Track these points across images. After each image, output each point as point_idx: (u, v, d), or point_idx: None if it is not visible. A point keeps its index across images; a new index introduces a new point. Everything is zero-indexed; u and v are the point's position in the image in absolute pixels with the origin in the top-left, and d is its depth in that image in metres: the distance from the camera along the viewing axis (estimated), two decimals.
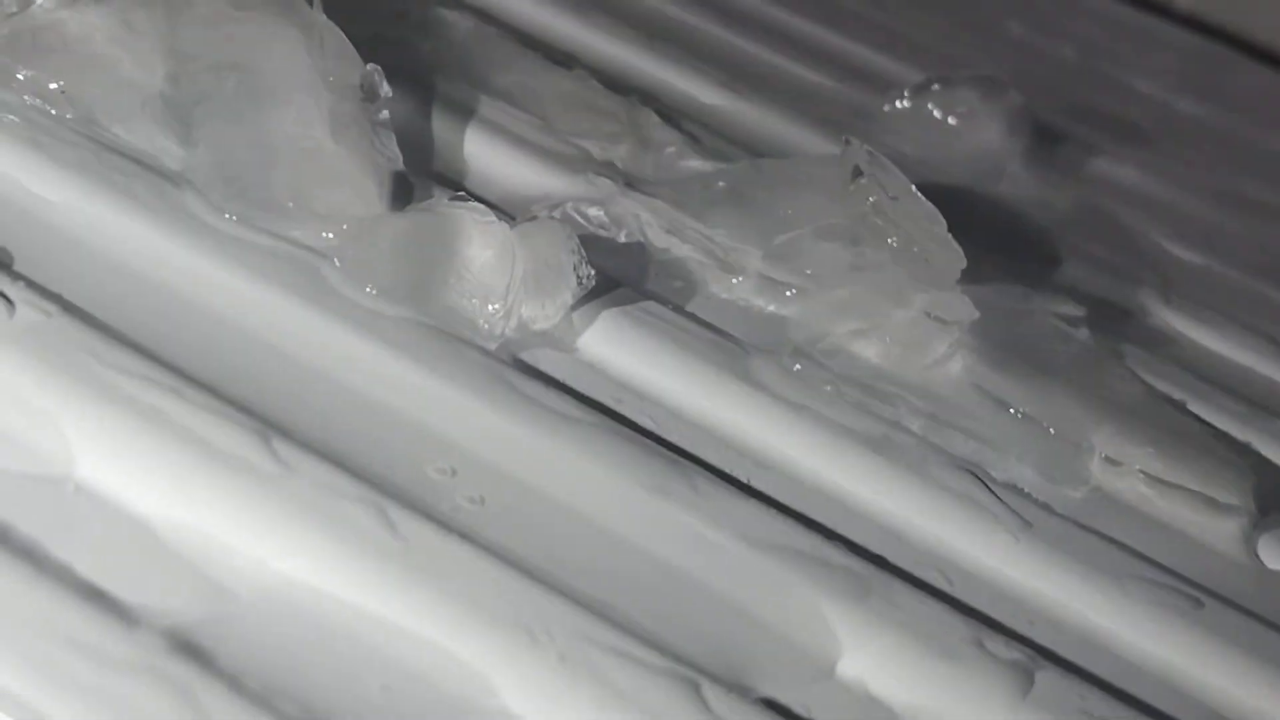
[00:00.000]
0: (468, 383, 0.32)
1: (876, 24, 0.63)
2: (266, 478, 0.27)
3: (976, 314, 0.38)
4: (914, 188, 0.40)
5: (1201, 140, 0.65)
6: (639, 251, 0.39)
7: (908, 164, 0.50)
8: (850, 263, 0.39)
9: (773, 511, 0.32)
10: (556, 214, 0.39)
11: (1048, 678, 0.30)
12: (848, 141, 0.41)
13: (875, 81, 0.56)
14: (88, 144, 0.34)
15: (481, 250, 0.33)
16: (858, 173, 0.40)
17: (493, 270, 0.33)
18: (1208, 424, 0.41)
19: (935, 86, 0.52)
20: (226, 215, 0.33)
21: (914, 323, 0.38)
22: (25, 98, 0.34)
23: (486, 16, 0.49)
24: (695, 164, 0.44)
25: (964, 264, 0.39)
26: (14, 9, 0.37)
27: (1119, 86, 0.68)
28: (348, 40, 0.37)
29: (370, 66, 0.37)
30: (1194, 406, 0.42)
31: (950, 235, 0.39)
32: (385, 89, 0.38)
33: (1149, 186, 0.57)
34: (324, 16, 0.37)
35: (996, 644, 0.30)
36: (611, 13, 0.53)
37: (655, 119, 0.46)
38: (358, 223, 0.33)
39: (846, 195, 0.40)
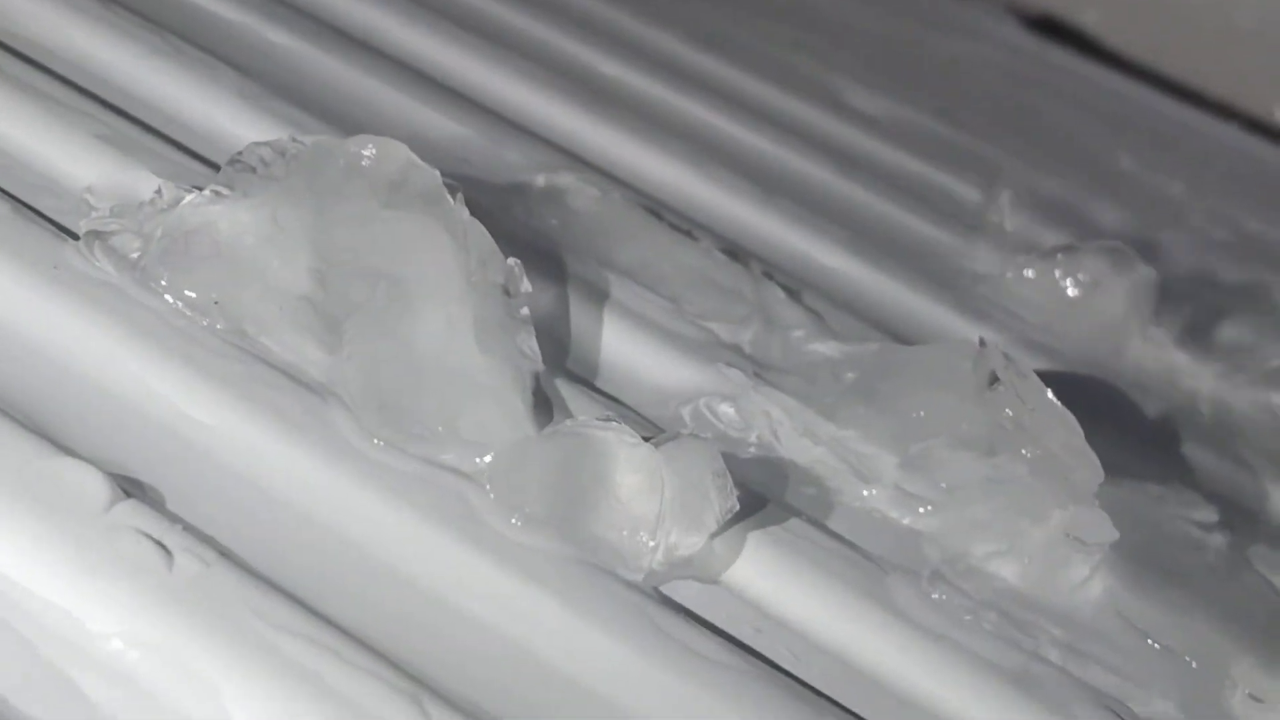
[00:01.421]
0: (612, 623, 0.31)
1: (996, 166, 0.62)
2: None
3: (1117, 535, 0.38)
4: (1050, 394, 0.39)
5: None
6: (774, 460, 0.39)
7: (1033, 334, 0.50)
8: (987, 475, 0.38)
9: None
10: (687, 413, 0.39)
11: None
12: (982, 342, 0.40)
13: (1002, 241, 0.56)
14: (237, 355, 0.34)
15: (629, 476, 0.33)
16: (994, 379, 0.39)
17: (642, 498, 0.33)
18: None
19: (1060, 255, 0.52)
20: (376, 441, 0.33)
21: (1053, 543, 0.38)
22: (177, 303, 0.35)
23: (613, 179, 0.49)
24: (822, 347, 0.44)
25: (1102, 478, 0.38)
26: (164, 204, 0.37)
27: (1236, 228, 0.67)
28: (489, 235, 0.37)
29: (511, 261, 0.37)
30: None
31: (1087, 446, 0.39)
32: (526, 285, 0.38)
33: (1268, 350, 0.56)
34: (467, 212, 0.37)
35: None
36: (727, 165, 0.53)
37: (781, 295, 0.46)
38: (505, 448, 0.33)
39: (982, 401, 0.39)
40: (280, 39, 0.48)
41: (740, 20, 0.65)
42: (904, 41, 0.71)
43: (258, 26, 0.48)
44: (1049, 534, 0.38)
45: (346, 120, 0.45)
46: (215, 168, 0.39)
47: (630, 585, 0.33)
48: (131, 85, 0.43)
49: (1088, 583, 0.37)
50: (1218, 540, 0.41)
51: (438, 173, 0.38)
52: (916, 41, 0.72)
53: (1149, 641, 0.37)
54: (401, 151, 0.38)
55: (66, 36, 0.43)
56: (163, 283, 0.35)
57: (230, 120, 0.43)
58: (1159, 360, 0.51)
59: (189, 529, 0.29)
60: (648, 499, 0.33)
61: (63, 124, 0.40)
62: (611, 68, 0.56)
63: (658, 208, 0.48)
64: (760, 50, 0.62)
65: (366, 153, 0.38)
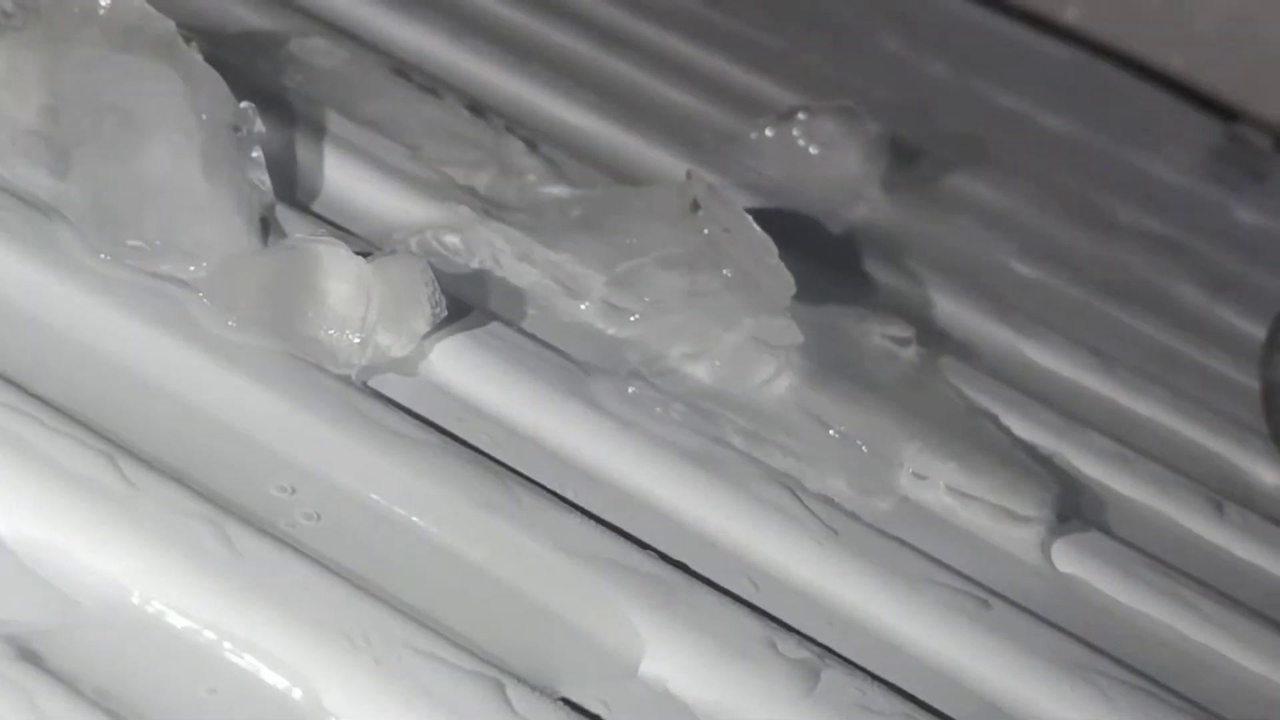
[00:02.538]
0: (315, 407, 0.35)
1: (748, 41, 0.66)
2: (115, 497, 0.30)
3: (801, 338, 0.41)
4: (750, 219, 0.43)
5: (1059, 155, 0.68)
6: (491, 278, 0.42)
7: (772, 189, 0.54)
8: (686, 289, 0.42)
9: (591, 523, 0.35)
10: (414, 242, 0.42)
11: (833, 675, 0.33)
12: (689, 175, 0.44)
13: (745, 103, 0.59)
14: None
15: (338, 284, 0.36)
16: (695, 206, 0.43)
17: (349, 303, 0.36)
18: (1016, 437, 0.45)
19: (800, 115, 0.56)
20: (101, 255, 0.35)
21: (742, 345, 0.41)
22: None
23: (362, 43, 0.52)
24: (556, 190, 0.47)
25: (793, 290, 0.42)
26: None
27: (985, 103, 0.71)
28: (222, 80, 0.40)
29: (244, 104, 0.40)
30: (1011, 419, 0.46)
31: (781, 263, 0.42)
32: (259, 126, 0.41)
33: (1000, 204, 0.61)
34: (200, 57, 0.40)
35: (789, 644, 0.34)
36: (483, 34, 0.56)
37: (519, 145, 0.49)
38: (222, 260, 0.36)
39: (685, 225, 0.43)
40: None
41: None
42: None
43: None
44: (740, 338, 0.41)
45: None
46: None
47: (339, 379, 0.36)
48: None
49: (773, 381, 0.41)
50: (911, 352, 0.45)
51: (172, 22, 0.40)
52: None
53: (828, 430, 0.41)
54: (136, 2, 0.41)
55: None
56: None
57: None
58: (886, 211, 0.55)
59: None
60: (354, 303, 0.36)
61: None
62: None
63: (408, 70, 0.51)
64: None
65: (102, 2, 0.41)
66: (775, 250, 0.42)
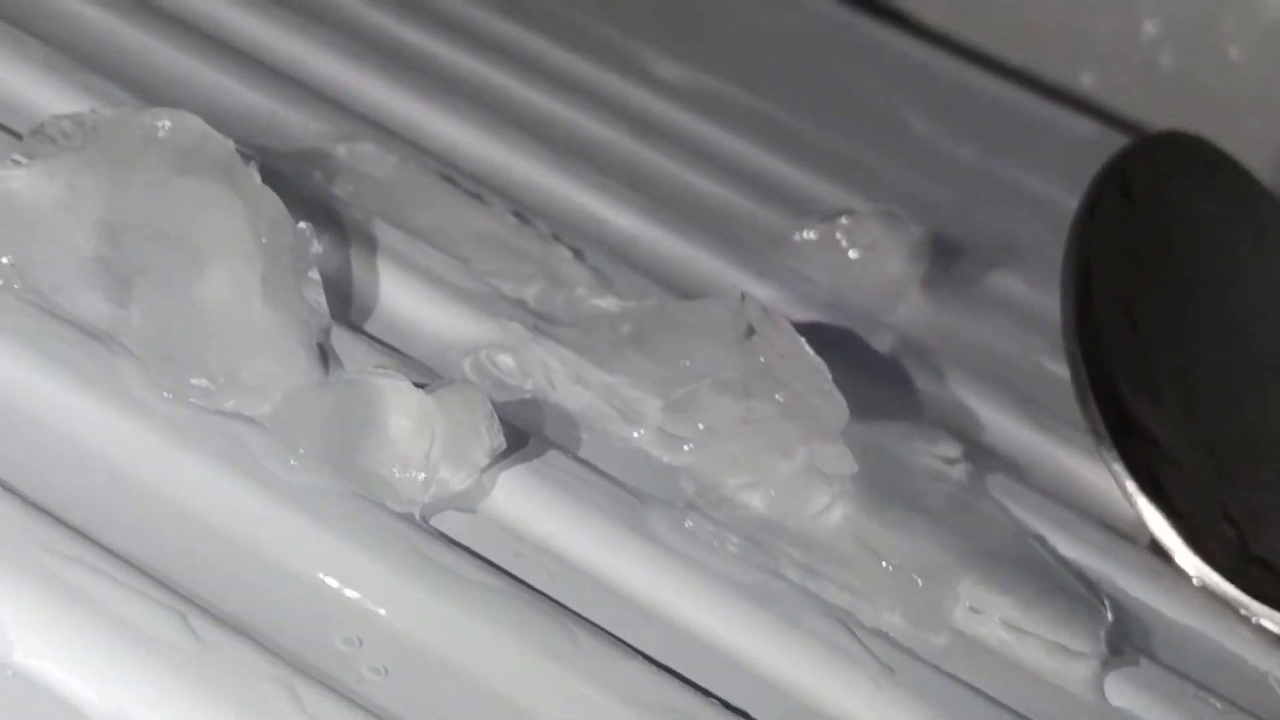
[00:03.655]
0: (378, 550, 0.35)
1: (792, 136, 0.66)
2: (186, 658, 0.30)
3: (856, 467, 0.41)
4: (803, 343, 0.43)
5: None
6: (546, 402, 0.42)
7: (814, 293, 0.54)
8: (741, 416, 0.42)
9: (652, 669, 0.35)
10: (469, 364, 0.42)
11: None
12: (744, 296, 0.44)
13: (791, 202, 0.59)
14: (30, 311, 0.37)
15: (401, 419, 0.36)
16: (750, 330, 0.43)
17: (412, 439, 0.36)
18: (1062, 558, 0.45)
19: (842, 220, 0.56)
20: (165, 394, 0.35)
21: (797, 475, 0.41)
22: None
23: (409, 145, 0.52)
24: (604, 303, 0.47)
25: (847, 417, 0.42)
26: None
27: (1015, 191, 0.71)
28: (280, 201, 0.40)
29: (302, 225, 0.40)
30: (1057, 537, 0.46)
31: (835, 389, 0.42)
32: (316, 247, 0.41)
33: (1033, 301, 0.61)
34: (259, 178, 0.40)
35: None
36: (526, 130, 0.56)
37: (566, 254, 0.49)
38: (285, 396, 0.36)
39: (740, 349, 0.43)
40: (88, 11, 0.50)
41: None
42: (709, 11, 0.74)
43: None
44: (794, 467, 0.41)
45: (152, 91, 0.48)
46: (15, 136, 0.42)
47: (399, 517, 0.36)
48: None
49: (828, 510, 0.41)
50: (959, 472, 0.46)
51: (231, 142, 0.41)
52: (723, 11, 0.75)
53: (882, 563, 0.41)
54: (195, 122, 0.41)
55: None
56: None
57: (35, 91, 0.45)
58: (926, 313, 0.55)
59: None
60: (417, 439, 0.36)
61: None
62: (412, 35, 0.58)
63: (453, 173, 0.51)
64: (562, 16, 0.65)
65: (162, 123, 0.41)
66: (829, 376, 0.42)
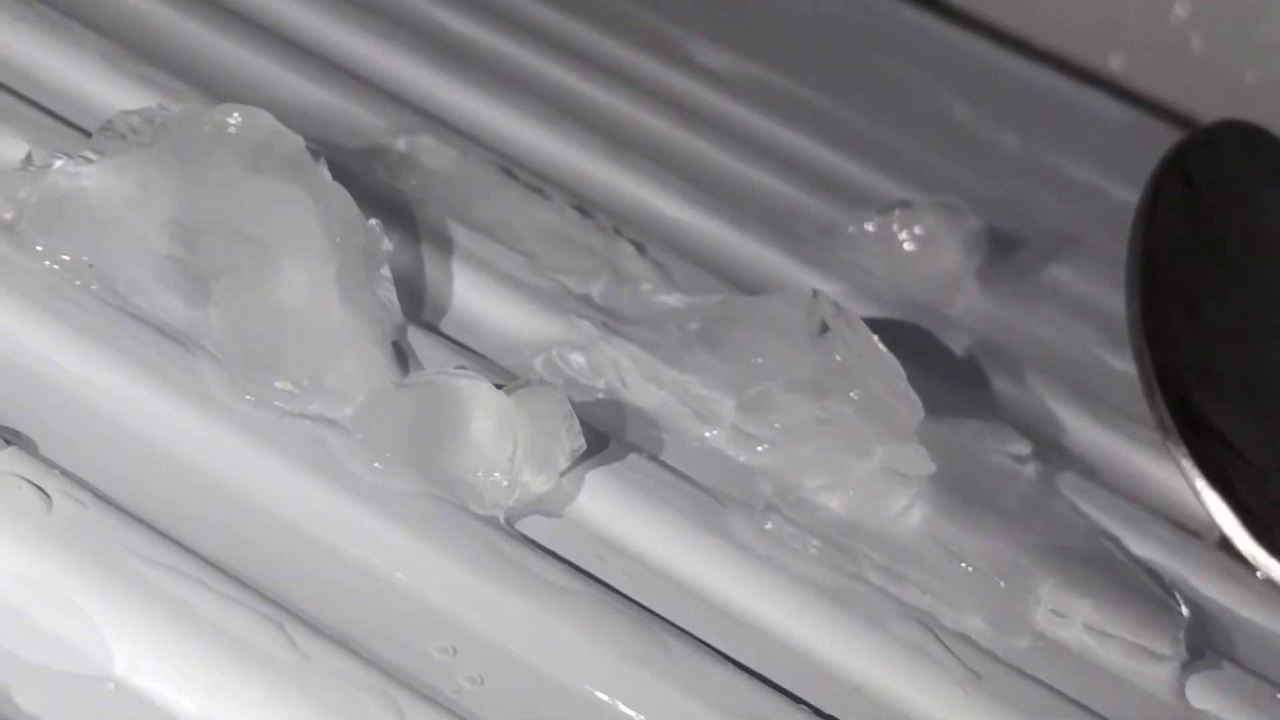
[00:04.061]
0: (466, 555, 0.34)
1: (849, 131, 0.65)
2: (286, 669, 0.29)
3: (933, 467, 0.41)
4: (877, 340, 0.43)
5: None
6: (619, 402, 0.41)
7: (873, 286, 0.54)
8: (816, 416, 0.41)
9: (744, 676, 0.35)
10: (540, 362, 0.42)
11: None
12: (815, 293, 0.43)
13: (844, 194, 0.59)
14: (108, 311, 0.36)
15: (482, 422, 0.36)
16: (825, 327, 0.42)
17: (494, 442, 0.36)
18: (1137, 558, 0.44)
19: (897, 211, 0.55)
20: (247, 397, 0.35)
21: (875, 476, 0.41)
22: (53, 265, 0.36)
23: (467, 138, 0.51)
24: (669, 299, 0.47)
25: (921, 416, 0.42)
26: (35, 170, 0.39)
27: (1060, 178, 0.71)
28: (350, 197, 0.40)
29: (373, 222, 0.40)
30: (1127, 536, 0.45)
31: (909, 388, 0.42)
32: (386, 244, 0.40)
33: (1083, 291, 0.60)
34: (329, 176, 0.40)
35: None
36: (580, 123, 0.56)
37: (629, 249, 0.49)
38: (366, 399, 0.36)
39: (813, 348, 0.42)
40: (140, 2, 0.50)
41: None
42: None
43: None
44: (872, 468, 0.41)
45: (209, 84, 0.47)
46: (83, 132, 0.41)
47: (482, 520, 0.35)
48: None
49: (907, 511, 0.41)
50: (1030, 470, 0.45)
51: (300, 139, 0.40)
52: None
53: (961, 564, 0.40)
54: (265, 119, 0.40)
55: None
56: (39, 247, 0.37)
57: (96, 85, 0.44)
58: (985, 305, 0.55)
59: (65, 474, 0.31)
60: (501, 443, 0.36)
61: None
62: (460, 25, 0.58)
63: (512, 166, 0.50)
64: (608, 5, 0.65)
65: (232, 120, 0.40)
66: (903, 374, 0.42)
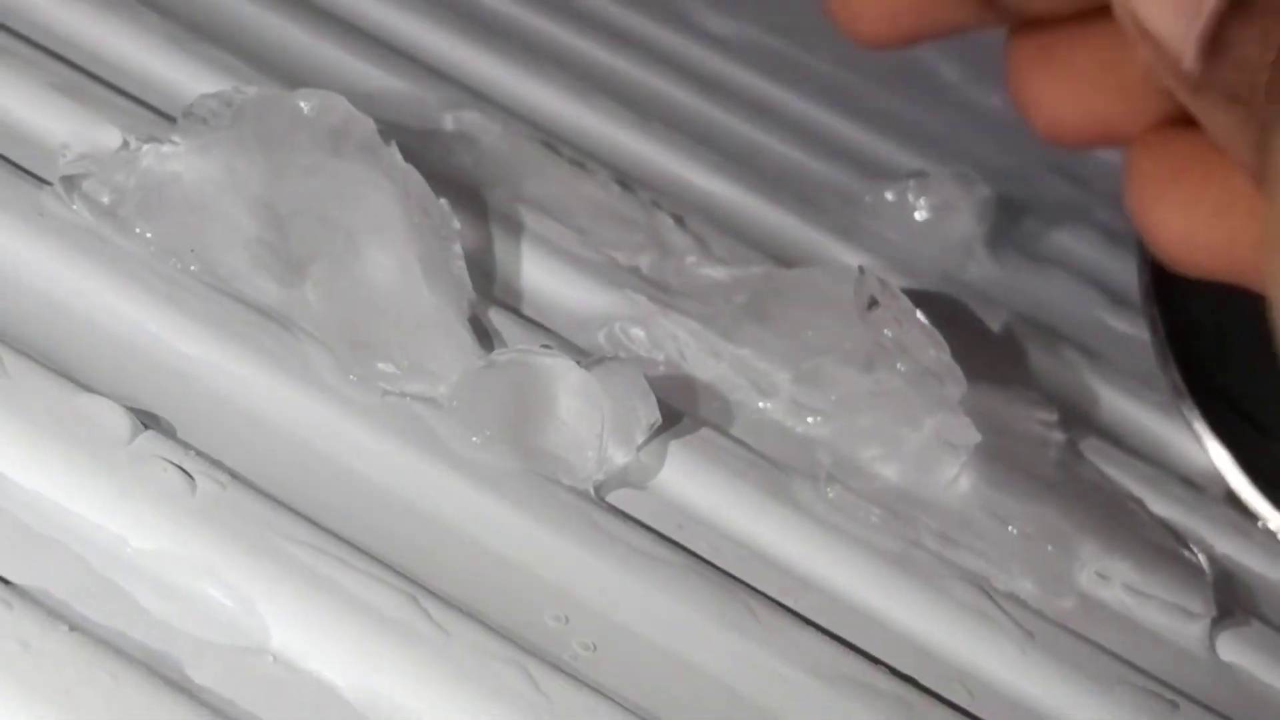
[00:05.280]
0: (566, 527, 0.36)
1: (865, 102, 0.67)
2: (430, 642, 0.31)
3: (979, 437, 0.43)
4: (921, 315, 0.45)
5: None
6: (681, 375, 0.43)
7: (892, 252, 0.56)
8: (869, 389, 0.44)
9: (827, 639, 0.37)
10: (603, 336, 0.44)
11: None
12: (861, 270, 0.45)
13: (862, 165, 0.61)
14: (215, 295, 0.38)
15: (569, 398, 0.38)
16: (873, 302, 0.45)
17: (582, 417, 0.38)
18: (1161, 520, 0.47)
19: (913, 181, 0.57)
20: (351, 377, 0.37)
21: (926, 446, 0.43)
22: (157, 249, 0.38)
23: (508, 112, 0.53)
24: (713, 272, 0.48)
25: (965, 388, 0.44)
26: (130, 155, 0.40)
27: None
28: (423, 179, 0.41)
29: (442, 202, 0.41)
30: (1152, 498, 0.48)
31: (953, 360, 0.44)
32: (455, 223, 0.42)
33: (1089, 255, 0.63)
34: (400, 158, 0.41)
35: None
36: (610, 95, 0.57)
37: (669, 221, 0.50)
38: (461, 376, 0.38)
39: (862, 322, 0.44)
40: None
41: None
42: None
43: None
44: (923, 439, 0.43)
45: (260, 62, 0.48)
46: (153, 112, 0.43)
47: (574, 492, 0.37)
48: (72, 34, 0.45)
49: (956, 479, 0.43)
50: (1058, 436, 0.47)
51: (372, 122, 0.41)
52: None
53: (1009, 529, 0.42)
54: (340, 103, 0.42)
55: None
56: (139, 230, 0.38)
57: (168, 68, 0.46)
58: (995, 271, 0.57)
59: (202, 455, 0.33)
60: (589, 419, 0.38)
61: (16, 74, 0.42)
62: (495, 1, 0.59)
63: (553, 141, 0.52)
64: None
65: (306, 104, 0.41)
66: (947, 347, 0.44)
